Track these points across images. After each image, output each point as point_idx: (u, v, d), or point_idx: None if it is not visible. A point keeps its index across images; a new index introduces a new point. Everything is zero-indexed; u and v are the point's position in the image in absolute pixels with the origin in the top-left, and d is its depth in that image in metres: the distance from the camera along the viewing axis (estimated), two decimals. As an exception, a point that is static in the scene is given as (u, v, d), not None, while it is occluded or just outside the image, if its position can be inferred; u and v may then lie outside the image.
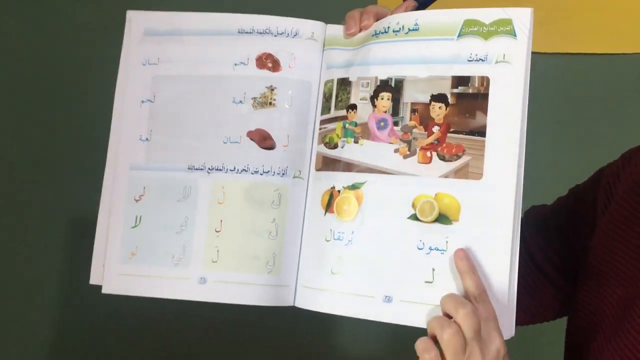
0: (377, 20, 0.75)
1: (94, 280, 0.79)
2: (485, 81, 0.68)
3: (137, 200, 0.78)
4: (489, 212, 0.66)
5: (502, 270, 0.65)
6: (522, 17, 0.67)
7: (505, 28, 0.68)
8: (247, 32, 0.78)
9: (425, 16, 0.71)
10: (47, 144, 1.55)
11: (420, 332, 0.68)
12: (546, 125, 1.32)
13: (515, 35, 0.67)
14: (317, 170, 0.75)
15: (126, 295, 0.77)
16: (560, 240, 0.80)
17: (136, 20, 0.81)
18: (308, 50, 0.78)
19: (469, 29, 0.69)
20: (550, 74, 1.31)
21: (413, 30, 0.71)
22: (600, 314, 0.71)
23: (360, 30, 0.75)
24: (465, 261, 0.66)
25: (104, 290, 0.78)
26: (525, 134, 0.67)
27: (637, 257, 0.68)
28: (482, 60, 0.68)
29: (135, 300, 0.77)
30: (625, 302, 0.68)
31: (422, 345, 0.63)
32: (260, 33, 0.78)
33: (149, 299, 0.77)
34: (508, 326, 0.65)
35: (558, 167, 1.30)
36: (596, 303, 0.73)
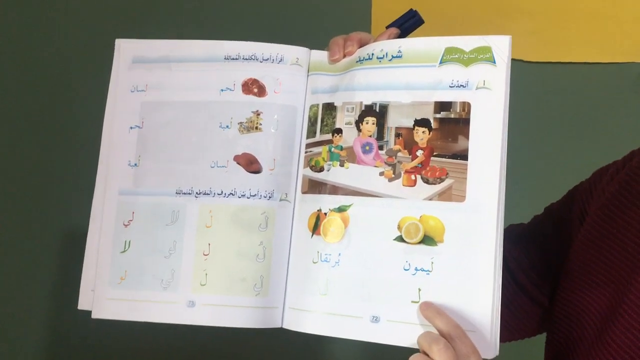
0: (360, 46, 0.77)
1: (82, 305, 0.79)
2: (466, 106, 0.70)
3: (126, 225, 0.79)
4: (472, 233, 0.68)
5: (485, 290, 0.67)
6: (500, 45, 0.70)
7: (484, 55, 0.70)
8: (233, 59, 0.80)
9: (407, 44, 0.73)
10: (40, 164, 1.55)
11: (408, 351, 0.70)
12: (534, 133, 1.35)
13: (494, 62, 0.70)
14: (303, 193, 0.77)
15: (116, 320, 0.78)
16: (538, 256, 0.82)
17: (125, 48, 0.82)
18: (293, 75, 0.79)
19: (450, 56, 0.71)
20: (541, 82, 1.33)
21: (396, 57, 0.73)
22: (579, 327, 0.73)
23: (344, 56, 0.77)
24: (430, 308, 0.68)
25: (94, 315, 0.78)
26: (505, 156, 0.69)
27: (613, 271, 0.70)
28: (464, 87, 0.70)
29: (125, 324, 0.78)
30: (605, 315, 0.70)
31: None
32: (246, 59, 0.79)
33: (139, 324, 0.77)
34: (493, 346, 0.67)
35: (550, 173, 1.32)
36: (574, 317, 0.74)
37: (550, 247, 0.82)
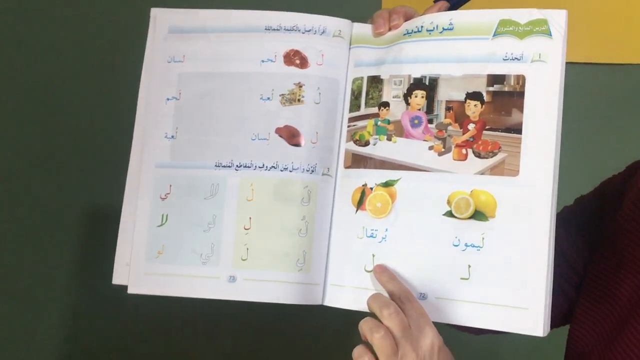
0: (405, 19, 0.75)
1: (117, 280, 0.77)
2: (521, 79, 0.68)
3: (163, 199, 0.77)
4: (526, 208, 0.66)
5: (539, 266, 0.66)
6: (557, 18, 0.68)
7: (540, 28, 0.68)
8: (274, 29, 0.78)
9: (459, 16, 0.72)
10: (61, 142, 1.53)
11: (453, 334, 0.69)
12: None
13: (550, 35, 0.68)
14: (346, 167, 0.75)
15: (152, 295, 0.76)
16: (570, 244, 0.81)
17: (160, 18, 0.80)
18: (335, 47, 0.77)
19: (505, 28, 0.70)
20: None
21: (447, 29, 0.72)
22: (606, 315, 0.72)
23: (390, 29, 0.75)
24: (385, 273, 0.69)
25: (130, 290, 0.76)
26: (560, 132, 0.67)
27: None
28: (518, 59, 0.69)
29: (151, 299, 0.76)
30: (633, 304, 0.69)
31: (357, 352, 0.64)
32: (288, 30, 0.78)
33: (175, 300, 0.76)
34: (545, 324, 0.66)
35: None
36: (603, 306, 0.73)
37: (582, 237, 0.81)
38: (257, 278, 0.74)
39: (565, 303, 0.80)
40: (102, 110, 1.49)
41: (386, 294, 0.68)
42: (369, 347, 0.64)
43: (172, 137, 0.78)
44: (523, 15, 0.69)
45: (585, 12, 1.35)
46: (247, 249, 0.75)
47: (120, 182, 0.80)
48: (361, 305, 0.71)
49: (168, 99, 0.79)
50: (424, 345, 0.63)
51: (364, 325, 0.65)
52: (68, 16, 1.52)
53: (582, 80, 1.32)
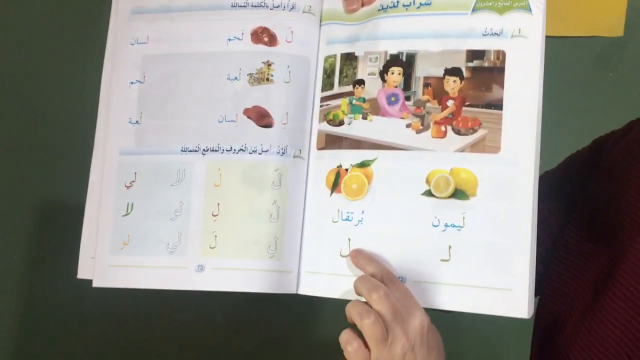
0: None
1: (82, 274, 0.74)
2: (501, 55, 0.66)
3: (127, 187, 0.73)
4: (508, 185, 0.64)
5: (523, 246, 0.63)
6: None
7: (520, 3, 0.66)
8: (241, 6, 0.74)
9: None
10: (20, 130, 1.45)
11: (436, 313, 0.66)
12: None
13: (530, 10, 0.66)
14: (319, 149, 0.72)
15: (118, 287, 0.72)
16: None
17: None
18: (305, 24, 0.74)
19: (484, 3, 0.67)
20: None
21: (425, 4, 0.69)
22: (575, 290, 0.70)
23: (363, 5, 0.72)
24: (361, 255, 0.66)
25: (95, 284, 0.73)
26: (541, 107, 0.65)
27: (612, 235, 0.68)
28: (498, 35, 0.66)
29: (126, 292, 0.72)
30: (602, 279, 0.67)
31: (345, 337, 0.62)
32: (255, 6, 0.74)
33: (142, 292, 0.72)
34: (528, 305, 0.63)
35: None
36: (570, 281, 0.71)
37: (549, 215, 0.79)
38: (227, 266, 0.70)
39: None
40: (64, 97, 1.42)
41: None
42: (357, 331, 0.61)
43: (137, 122, 0.74)
44: None
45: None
46: (216, 236, 0.71)
47: (84, 172, 0.76)
48: (337, 293, 0.68)
49: (132, 83, 0.75)
50: (412, 327, 0.61)
51: (352, 310, 0.61)
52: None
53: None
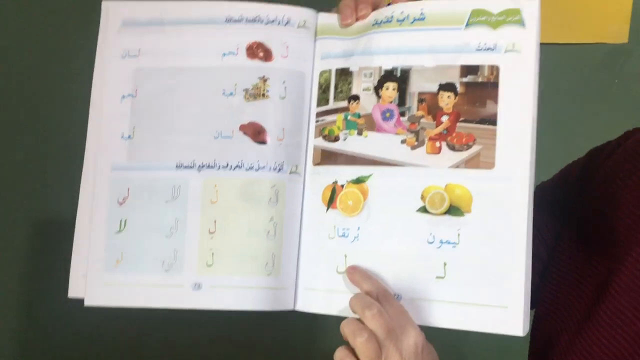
0: (373, 9, 0.72)
1: (73, 293, 0.72)
2: (495, 70, 0.66)
3: (120, 203, 0.73)
4: (502, 201, 0.64)
5: (518, 263, 0.63)
6: (530, 7, 0.66)
7: (513, 18, 0.66)
8: (235, 20, 0.74)
9: (431, 6, 0.69)
10: (9, 145, 1.44)
11: (433, 329, 0.66)
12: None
13: (523, 25, 0.66)
14: (316, 164, 0.72)
15: (111, 307, 0.71)
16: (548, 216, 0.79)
17: (113, 11, 0.76)
18: (300, 39, 0.74)
19: (477, 18, 0.67)
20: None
21: (418, 19, 0.69)
22: (570, 303, 0.70)
23: (357, 19, 0.72)
24: (357, 272, 0.66)
25: (87, 303, 0.71)
26: (536, 122, 0.65)
27: (607, 248, 0.68)
28: (491, 49, 0.67)
29: (120, 312, 0.72)
30: (596, 294, 0.67)
31: (339, 355, 0.62)
32: (250, 21, 0.74)
33: (137, 312, 0.71)
34: (524, 322, 0.63)
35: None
36: (566, 294, 0.72)
37: (544, 227, 0.79)
38: (224, 284, 0.70)
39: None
40: (53, 112, 1.41)
41: None
42: (352, 350, 0.61)
43: (129, 137, 0.74)
44: (495, 5, 0.67)
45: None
46: (213, 254, 0.70)
47: (73, 188, 0.75)
48: (334, 310, 0.68)
49: (123, 97, 0.74)
50: (406, 345, 0.61)
51: (346, 328, 0.62)
52: (15, 9, 1.44)
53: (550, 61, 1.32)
